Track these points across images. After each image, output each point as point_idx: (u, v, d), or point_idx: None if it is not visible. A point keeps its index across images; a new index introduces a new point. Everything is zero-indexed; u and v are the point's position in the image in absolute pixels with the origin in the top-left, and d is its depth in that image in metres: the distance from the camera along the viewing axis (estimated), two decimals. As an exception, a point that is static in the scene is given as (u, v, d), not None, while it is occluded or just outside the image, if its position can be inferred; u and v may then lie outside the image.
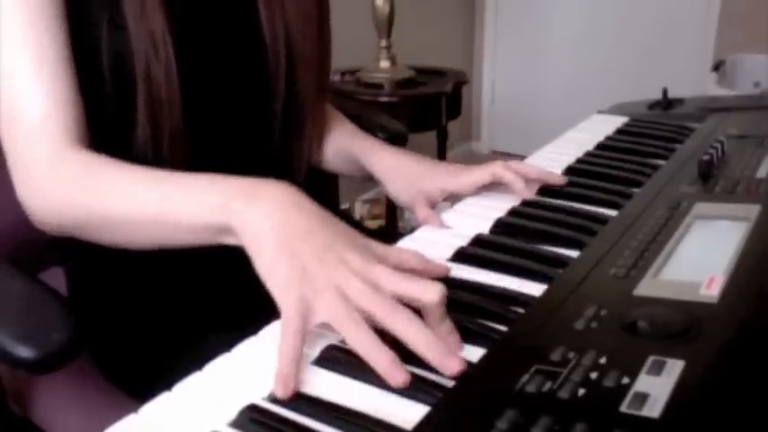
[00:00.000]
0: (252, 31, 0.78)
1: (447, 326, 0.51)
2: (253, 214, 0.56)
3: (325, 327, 0.52)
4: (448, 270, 0.62)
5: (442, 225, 0.75)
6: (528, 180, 0.80)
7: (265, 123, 0.81)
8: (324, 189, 0.88)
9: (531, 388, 0.44)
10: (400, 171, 0.86)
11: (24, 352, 0.56)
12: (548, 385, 0.44)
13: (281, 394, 0.46)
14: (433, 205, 0.82)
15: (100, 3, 0.69)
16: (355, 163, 0.91)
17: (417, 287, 0.52)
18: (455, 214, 0.78)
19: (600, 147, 0.98)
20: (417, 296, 0.51)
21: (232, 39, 0.77)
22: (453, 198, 0.84)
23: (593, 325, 0.51)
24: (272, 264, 0.54)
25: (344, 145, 0.92)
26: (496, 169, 0.80)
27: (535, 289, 0.59)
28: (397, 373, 0.46)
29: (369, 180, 0.91)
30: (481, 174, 0.80)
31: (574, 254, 0.65)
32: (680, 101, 1.18)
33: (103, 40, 0.69)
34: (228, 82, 0.78)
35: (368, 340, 0.48)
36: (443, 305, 0.51)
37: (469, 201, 0.82)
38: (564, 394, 0.43)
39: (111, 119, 0.72)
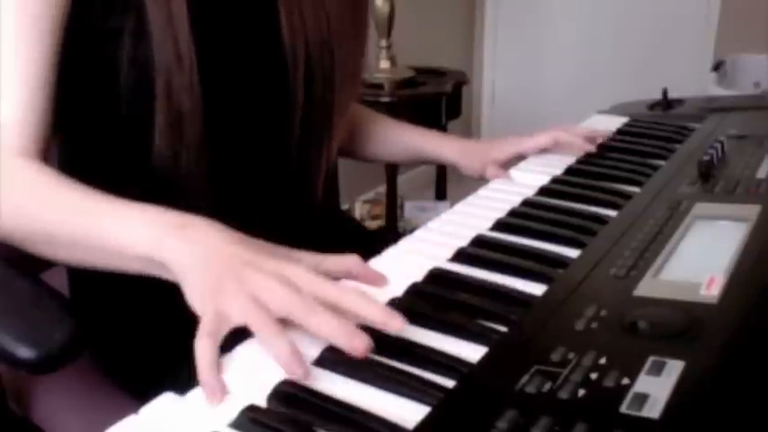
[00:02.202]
0: (273, 42, 0.77)
1: (365, 305, 0.52)
2: (183, 250, 0.57)
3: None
4: (384, 280, 0.62)
5: (509, 177, 0.90)
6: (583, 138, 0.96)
7: (284, 131, 0.80)
8: (327, 190, 0.88)
9: (531, 388, 0.44)
10: (470, 150, 0.99)
11: (25, 352, 0.56)
12: (548, 385, 0.44)
13: (211, 402, 0.47)
14: (503, 166, 0.95)
15: (123, 11, 0.68)
16: (417, 153, 1.03)
17: (321, 285, 0.53)
18: (455, 215, 0.78)
19: (600, 147, 0.98)
20: (323, 295, 0.52)
21: (252, 46, 0.76)
22: (457, 196, 0.89)
23: (593, 325, 0.51)
24: (193, 288, 0.56)
25: (404, 139, 1.03)
26: (558, 134, 0.95)
27: (535, 289, 0.59)
28: (294, 364, 0.48)
29: (426, 164, 1.10)
30: (544, 138, 0.95)
31: (574, 254, 0.65)
32: (680, 101, 1.18)
33: (125, 49, 0.68)
34: (248, 91, 0.77)
35: (278, 341, 0.49)
36: (350, 293, 0.53)
37: (470, 200, 0.83)
38: (564, 394, 0.43)
39: (131, 130, 0.71)
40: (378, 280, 0.62)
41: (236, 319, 0.52)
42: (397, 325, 0.51)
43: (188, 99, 0.69)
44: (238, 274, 0.54)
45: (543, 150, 0.96)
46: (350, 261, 0.61)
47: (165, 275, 0.59)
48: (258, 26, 0.77)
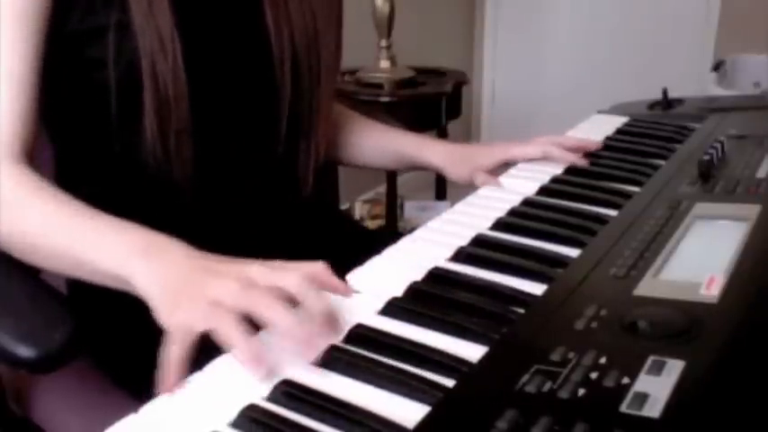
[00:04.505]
0: (258, 33, 0.78)
1: (317, 303, 0.53)
2: (146, 270, 0.59)
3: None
4: (348, 290, 0.60)
5: (501, 185, 0.87)
6: (569, 149, 0.92)
7: (271, 123, 0.81)
8: (323, 189, 0.88)
9: (531, 388, 0.44)
10: (457, 155, 0.96)
11: (25, 351, 0.56)
12: (548, 385, 0.44)
13: (164, 393, 0.49)
14: (491, 173, 0.93)
15: (105, 7, 0.69)
16: (403, 158, 1.00)
17: (278, 276, 0.54)
18: (455, 214, 0.78)
19: (600, 147, 0.98)
20: (280, 285, 0.53)
21: (238, 40, 0.77)
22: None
23: (593, 325, 0.51)
24: (158, 307, 0.56)
25: (388, 143, 1.01)
26: (547, 148, 0.91)
27: (535, 289, 0.59)
28: (256, 365, 0.49)
29: (415, 170, 1.04)
30: (533, 149, 0.92)
31: (574, 254, 0.65)
32: (680, 101, 1.18)
33: (110, 43, 0.69)
34: (235, 83, 0.78)
35: (237, 337, 0.50)
36: (308, 288, 0.53)
37: (470, 200, 0.83)
38: (564, 394, 0.43)
39: (119, 125, 0.72)
40: (342, 289, 0.59)
41: (199, 326, 0.52)
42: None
43: (173, 84, 0.70)
44: (196, 281, 0.55)
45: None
46: (316, 267, 0.58)
47: (134, 292, 0.60)
48: (243, 21, 0.78)
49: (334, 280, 0.58)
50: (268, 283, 0.54)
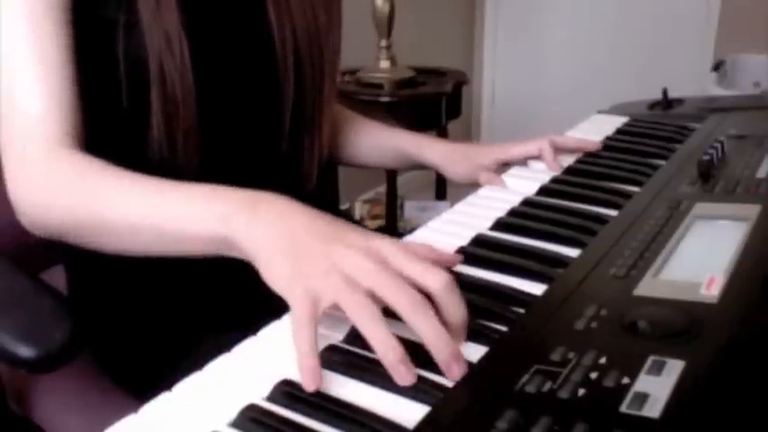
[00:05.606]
0: (261, 30, 0.78)
1: (458, 312, 0.50)
2: (255, 227, 0.55)
3: (324, 326, 0.52)
4: (458, 259, 0.60)
5: (504, 184, 0.87)
6: (568, 150, 0.93)
7: (275, 120, 0.82)
8: (324, 189, 0.88)
9: (531, 388, 0.44)
10: (456, 154, 0.95)
11: (25, 351, 0.56)
12: (548, 385, 0.44)
13: (311, 387, 0.45)
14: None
15: (116, 4, 0.69)
16: (402, 156, 1.00)
17: (421, 269, 0.50)
18: (455, 214, 0.78)
19: (600, 147, 0.98)
20: (420, 279, 0.50)
21: (242, 37, 0.78)
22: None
23: (593, 325, 0.51)
24: (275, 268, 0.53)
25: (387, 141, 1.01)
26: (544, 145, 0.91)
27: (535, 289, 0.59)
28: (404, 371, 0.46)
29: (414, 169, 1.02)
30: (532, 146, 0.92)
31: (574, 254, 0.65)
32: (680, 101, 1.18)
33: (119, 42, 0.69)
34: (239, 80, 0.78)
35: (378, 330, 0.47)
36: (452, 292, 0.50)
37: (470, 200, 0.83)
38: (564, 394, 0.43)
39: (127, 122, 0.72)
40: (454, 261, 0.59)
41: (329, 300, 0.49)
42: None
43: (181, 84, 0.70)
44: (325, 251, 0.51)
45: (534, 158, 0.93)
46: (425, 250, 0.55)
47: (232, 254, 0.57)
48: (247, 18, 0.78)
49: (445, 256, 0.57)
50: (408, 272, 0.50)
